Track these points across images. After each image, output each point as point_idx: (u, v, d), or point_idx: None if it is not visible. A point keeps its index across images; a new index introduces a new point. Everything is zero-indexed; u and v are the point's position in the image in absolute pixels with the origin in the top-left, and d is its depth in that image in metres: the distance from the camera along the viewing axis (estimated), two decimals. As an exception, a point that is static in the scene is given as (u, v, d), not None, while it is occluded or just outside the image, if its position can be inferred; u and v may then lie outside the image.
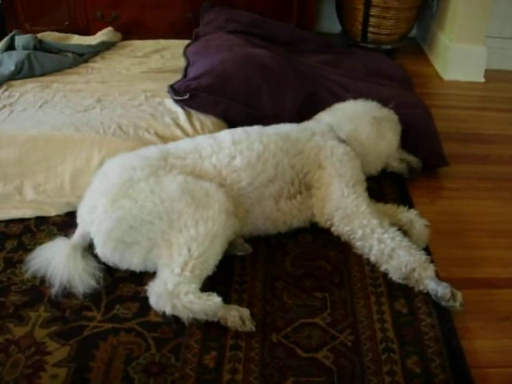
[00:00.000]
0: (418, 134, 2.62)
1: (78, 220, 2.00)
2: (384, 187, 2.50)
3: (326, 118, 2.42)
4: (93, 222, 1.90)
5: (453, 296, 1.84)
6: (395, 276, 1.94)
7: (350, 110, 2.43)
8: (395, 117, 2.50)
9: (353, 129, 2.34)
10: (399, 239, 1.99)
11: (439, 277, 1.92)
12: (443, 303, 1.85)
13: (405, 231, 2.12)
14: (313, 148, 2.18)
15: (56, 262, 1.87)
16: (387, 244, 1.97)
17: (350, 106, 2.48)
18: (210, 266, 1.85)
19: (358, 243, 2.04)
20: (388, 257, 1.95)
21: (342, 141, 2.28)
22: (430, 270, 1.90)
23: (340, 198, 2.09)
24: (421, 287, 1.90)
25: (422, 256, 1.94)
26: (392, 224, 2.10)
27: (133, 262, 1.90)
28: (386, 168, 2.53)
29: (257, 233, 2.12)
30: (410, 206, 2.37)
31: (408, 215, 2.18)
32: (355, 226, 2.04)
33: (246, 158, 2.07)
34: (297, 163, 2.15)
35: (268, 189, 2.09)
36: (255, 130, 2.23)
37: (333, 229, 2.11)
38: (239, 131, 2.20)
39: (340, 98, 2.68)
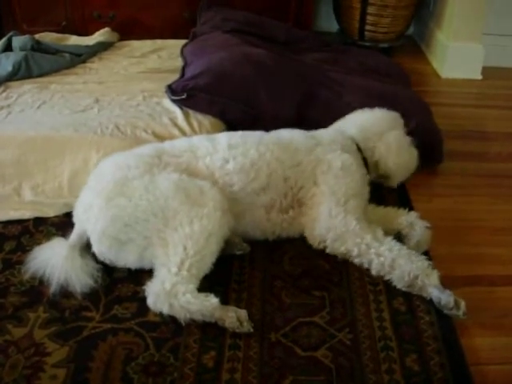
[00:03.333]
0: (416, 129, 2.61)
1: (75, 219, 2.01)
2: (382, 185, 2.48)
3: (351, 133, 2.31)
4: (89, 220, 1.91)
5: (456, 305, 1.80)
6: (399, 285, 1.91)
7: (379, 127, 2.32)
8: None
9: (398, 163, 2.29)
10: (397, 248, 1.95)
11: (442, 280, 1.89)
12: (446, 311, 1.82)
13: (405, 234, 2.10)
14: (311, 161, 2.12)
15: (54, 262, 1.87)
16: (386, 256, 1.93)
17: (376, 119, 2.36)
18: (206, 265, 1.85)
19: (357, 260, 2.00)
20: (390, 268, 1.91)
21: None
22: (434, 277, 1.87)
23: (328, 218, 2.03)
24: (424, 294, 1.87)
25: (423, 262, 1.90)
26: (392, 229, 2.08)
27: (128, 259, 1.91)
28: None
29: (245, 237, 2.09)
30: (408, 203, 2.38)
31: (408, 218, 2.14)
32: (349, 245, 1.99)
33: (239, 164, 2.05)
34: (291, 176, 2.09)
35: (260, 197, 2.06)
36: (255, 135, 2.18)
37: (328, 250, 2.05)
38: (238, 136, 2.17)
39: (339, 96, 2.68)
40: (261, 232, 2.10)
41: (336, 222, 2.02)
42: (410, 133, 2.41)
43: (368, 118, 2.37)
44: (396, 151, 2.28)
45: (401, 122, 2.40)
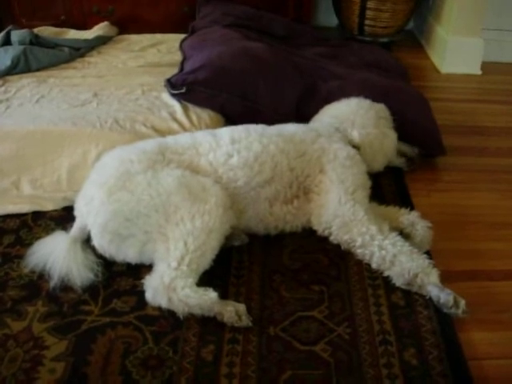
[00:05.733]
0: (415, 123, 2.62)
1: (76, 213, 2.00)
2: (381, 180, 2.48)
3: (329, 120, 2.36)
4: (90, 214, 1.90)
5: (455, 303, 1.80)
6: (398, 282, 1.90)
7: (354, 114, 2.37)
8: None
9: (364, 134, 2.31)
10: (400, 244, 1.94)
11: (440, 277, 1.88)
12: (445, 310, 1.81)
13: (407, 234, 2.09)
14: (316, 150, 2.13)
15: (56, 255, 1.87)
16: (388, 250, 1.93)
17: (349, 107, 2.41)
18: (206, 261, 1.85)
19: (359, 251, 2.00)
20: (390, 263, 1.91)
21: (352, 144, 2.26)
22: (433, 276, 1.86)
23: (337, 205, 2.04)
24: (423, 293, 1.87)
25: (424, 261, 1.89)
26: (393, 227, 2.06)
27: (128, 254, 1.91)
28: (388, 164, 2.50)
29: (247, 232, 2.09)
30: (408, 198, 2.38)
31: (410, 217, 2.13)
32: (354, 234, 2.00)
33: (243, 158, 2.05)
34: (297, 166, 2.10)
35: (264, 190, 2.06)
36: (257, 129, 2.18)
37: (331, 238, 2.07)
38: (240, 129, 2.17)
39: (339, 90, 2.68)
40: (264, 226, 2.10)
41: (345, 209, 2.03)
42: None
43: (342, 109, 2.41)
44: (360, 124, 2.32)
45: (372, 105, 2.43)
